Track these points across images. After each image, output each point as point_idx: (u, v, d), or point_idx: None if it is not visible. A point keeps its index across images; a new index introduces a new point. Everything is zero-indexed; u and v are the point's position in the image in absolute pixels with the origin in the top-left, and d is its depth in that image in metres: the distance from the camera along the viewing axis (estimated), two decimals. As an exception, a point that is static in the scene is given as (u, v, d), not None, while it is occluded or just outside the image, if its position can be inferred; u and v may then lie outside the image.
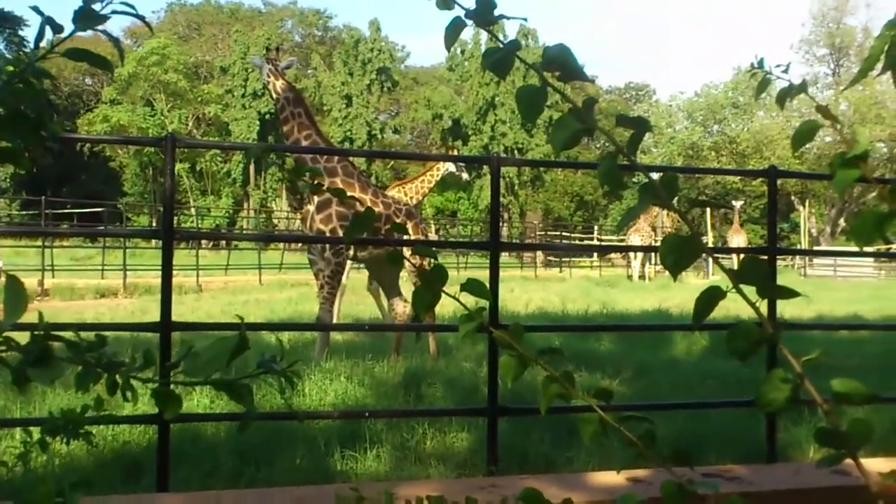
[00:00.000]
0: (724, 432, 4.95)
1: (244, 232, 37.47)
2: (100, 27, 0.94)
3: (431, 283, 1.55)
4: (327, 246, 7.21)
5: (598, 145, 61.12)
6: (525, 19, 1.45)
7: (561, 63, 1.33)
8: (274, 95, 7.72)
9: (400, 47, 59.27)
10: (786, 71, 1.10)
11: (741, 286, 1.19)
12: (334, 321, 8.79)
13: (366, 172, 48.93)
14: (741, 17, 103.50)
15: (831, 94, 50.06)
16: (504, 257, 32.85)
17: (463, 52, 51.79)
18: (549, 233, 36.55)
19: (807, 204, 46.44)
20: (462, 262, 27.62)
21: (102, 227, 24.61)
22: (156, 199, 45.15)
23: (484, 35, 51.20)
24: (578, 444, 4.64)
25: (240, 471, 4.11)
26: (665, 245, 1.24)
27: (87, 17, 0.92)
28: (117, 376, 0.81)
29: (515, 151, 48.45)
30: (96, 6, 0.93)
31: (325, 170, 7.42)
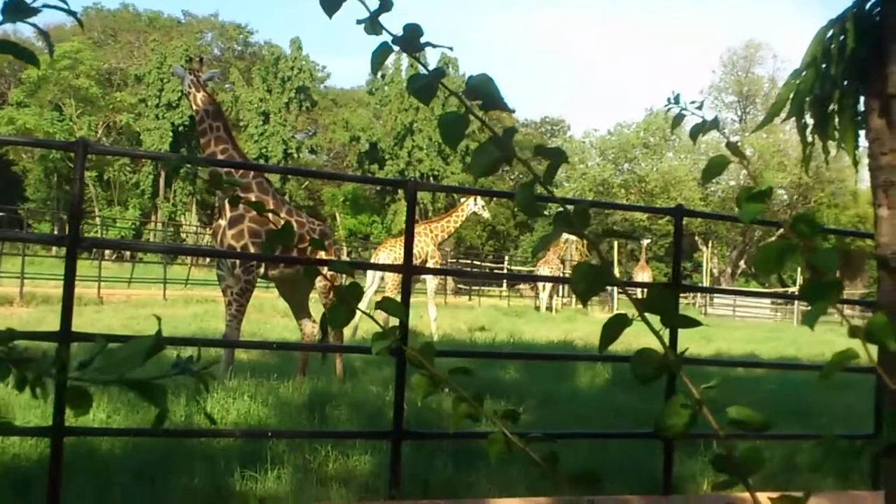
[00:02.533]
0: (622, 463, 5.05)
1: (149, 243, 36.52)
2: (30, 20, 0.92)
3: (347, 300, 1.56)
4: (237, 262, 7.09)
5: (512, 176, 62.04)
6: (451, 48, 1.49)
7: (483, 92, 1.38)
8: (194, 107, 7.60)
9: (320, 67, 59.09)
10: (699, 108, 1.16)
11: (646, 316, 1.24)
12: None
13: (280, 191, 48.45)
14: (654, 60, 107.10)
15: (737, 139, 52.10)
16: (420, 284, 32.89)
17: (383, 76, 51.95)
18: (460, 260, 36.76)
19: (710, 244, 48.10)
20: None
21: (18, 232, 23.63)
22: (59, 207, 43.61)
23: (405, 60, 51.59)
24: (480, 470, 4.67)
25: (134, 489, 3.99)
26: (576, 273, 1.28)
27: (16, 10, 0.91)
28: (28, 372, 0.79)
29: (431, 178, 48.71)
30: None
31: (240, 185, 7.32)
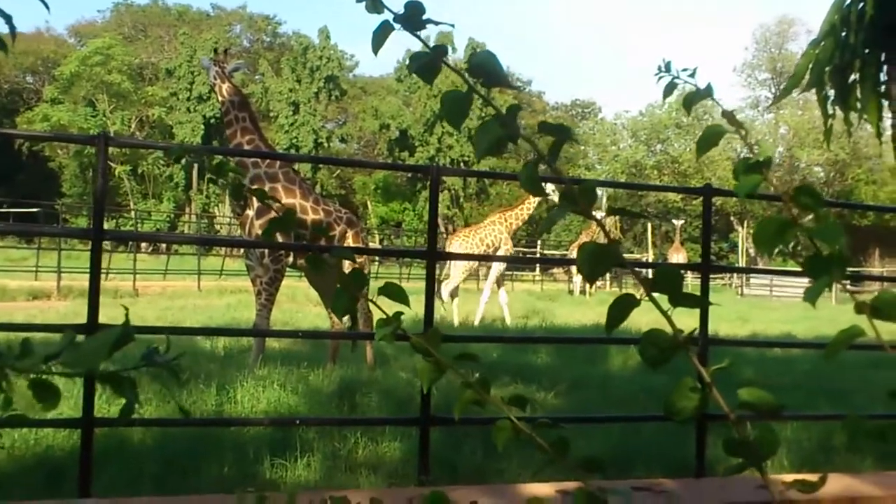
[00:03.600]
0: (654, 447, 5.00)
1: (184, 235, 36.88)
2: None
3: (349, 287, 1.54)
4: (266, 252, 7.12)
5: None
6: (452, 25, 1.44)
7: (486, 69, 1.34)
8: (220, 98, 7.63)
9: (349, 56, 59.07)
10: (692, 76, 1.11)
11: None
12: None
13: (310, 180, 48.67)
14: (687, 39, 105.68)
15: (771, 117, 51.37)
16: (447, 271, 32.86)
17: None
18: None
19: (745, 224, 47.51)
20: (405, 273, 27.57)
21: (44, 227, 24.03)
22: (105, 200, 44.14)
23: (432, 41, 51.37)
24: (510, 455, 4.65)
25: (165, 478, 4.02)
26: (582, 253, 1.25)
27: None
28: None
29: (462, 163, 48.63)
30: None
31: (267, 175, 7.35)
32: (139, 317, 11.44)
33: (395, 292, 1.50)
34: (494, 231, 14.14)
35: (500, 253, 13.89)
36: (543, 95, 71.51)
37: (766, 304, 23.29)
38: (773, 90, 54.17)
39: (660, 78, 1.12)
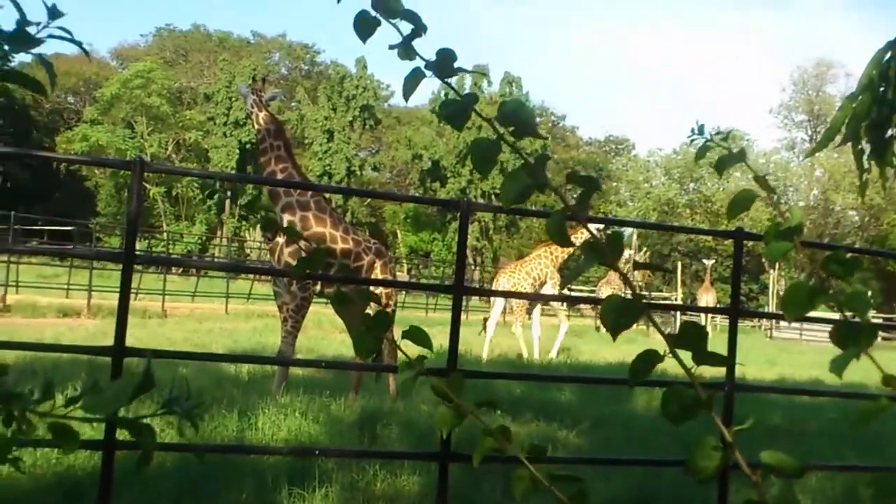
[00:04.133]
0: (676, 490, 4.92)
1: (215, 260, 37.21)
2: (35, 50, 0.93)
3: (374, 329, 1.54)
4: (294, 280, 7.16)
5: (575, 196, 61.53)
6: (484, 74, 1.48)
7: (516, 118, 1.35)
8: (256, 126, 7.73)
9: (385, 86, 59.65)
10: (725, 139, 1.11)
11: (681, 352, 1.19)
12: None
13: (342, 207, 48.96)
14: (723, 77, 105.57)
15: (807, 160, 50.97)
16: (474, 301, 32.81)
17: (446, 94, 52.23)
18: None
19: (777, 266, 46.98)
20: (432, 304, 27.55)
21: (70, 247, 24.35)
22: (138, 223, 44.74)
23: (468, 80, 51.80)
24: (529, 495, 4.59)
25: (183, 502, 4.03)
26: (606, 306, 1.24)
27: (20, 40, 0.91)
28: (14, 409, 0.78)
29: (493, 196, 48.72)
30: (31, 29, 0.92)
31: (298, 203, 7.41)
32: (167, 338, 11.56)
33: (418, 336, 1.51)
34: (540, 265, 14.19)
35: (547, 286, 14.01)
36: (577, 130, 71.65)
37: (795, 348, 22.95)
38: (810, 132, 53.85)
39: (692, 140, 1.12)
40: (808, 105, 53.32)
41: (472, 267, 46.89)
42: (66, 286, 19.66)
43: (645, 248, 42.24)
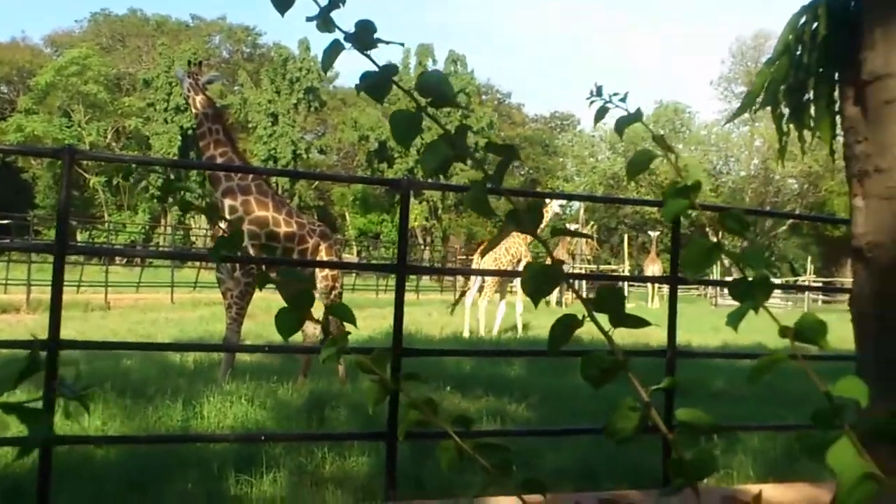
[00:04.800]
0: (623, 458, 5.00)
1: (159, 249, 36.62)
2: None
3: (296, 306, 1.52)
4: (237, 265, 7.07)
5: (521, 172, 61.90)
6: (402, 44, 1.44)
7: (435, 89, 1.33)
8: (193, 110, 7.62)
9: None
10: (623, 100, 1.11)
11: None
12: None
13: (288, 191, 48.49)
14: (665, 51, 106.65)
15: (747, 129, 51.87)
16: (425, 281, 32.84)
17: (395, 76, 51.89)
18: (469, 257, 36.61)
19: (720, 235, 47.85)
20: (382, 285, 27.51)
21: (7, 241, 23.73)
22: (70, 213, 43.75)
23: (413, 59, 51.54)
24: (478, 469, 4.62)
25: (127, 495, 3.97)
26: (525, 273, 1.24)
27: None
28: None
29: (441, 176, 48.70)
30: None
31: (239, 187, 7.32)
32: (110, 330, 11.35)
33: (341, 311, 1.49)
34: (517, 242, 14.70)
35: (522, 264, 14.49)
36: (523, 108, 71.84)
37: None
38: (757, 107, 54.71)
39: (591, 102, 1.11)
40: (747, 76, 54.11)
41: (422, 247, 46.86)
42: (3, 281, 19.19)
43: (592, 222, 42.71)
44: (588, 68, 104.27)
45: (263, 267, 7.32)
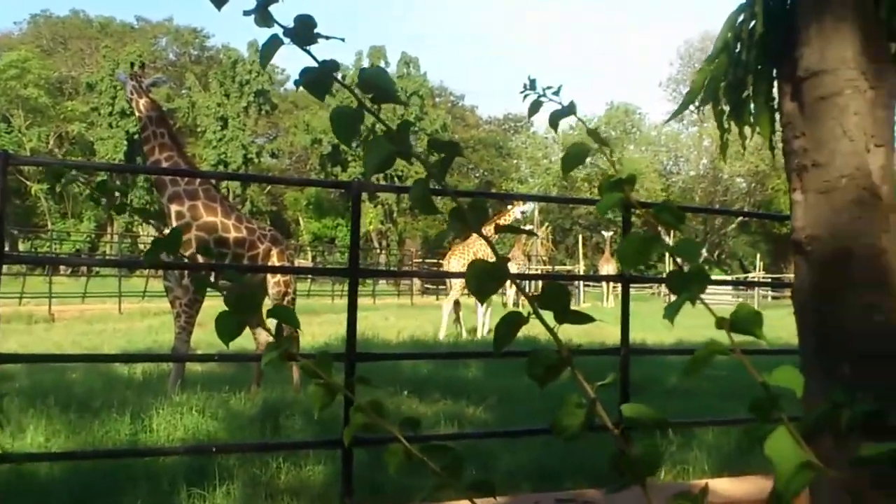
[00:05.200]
0: (581, 457, 5.00)
1: (106, 257, 35.94)
2: None
3: (239, 310, 1.48)
4: (186, 273, 6.95)
5: (477, 174, 62.09)
6: (342, 39, 1.41)
7: (376, 85, 1.31)
8: (137, 114, 7.49)
9: (280, 70, 58.48)
10: (557, 93, 1.10)
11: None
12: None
13: (240, 196, 47.98)
14: (617, 54, 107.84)
15: (696, 130, 52.66)
16: (381, 284, 32.73)
17: (344, 77, 51.63)
18: (426, 260, 36.60)
19: (672, 234, 48.53)
20: (338, 291, 27.35)
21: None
22: (8, 222, 42.81)
23: (367, 61, 51.33)
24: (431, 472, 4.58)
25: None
26: (470, 270, 1.22)
27: None
28: None
29: (396, 178, 48.54)
30: None
31: (186, 192, 7.19)
32: (54, 343, 11.07)
33: (283, 314, 1.45)
34: (486, 247, 14.84)
35: None
36: (477, 110, 72.04)
37: (692, 312, 23.56)
38: (698, 105, 55.54)
39: (526, 96, 1.10)
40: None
41: (378, 251, 46.73)
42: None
43: (547, 223, 42.96)
44: (543, 70, 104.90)
45: (211, 274, 7.26)
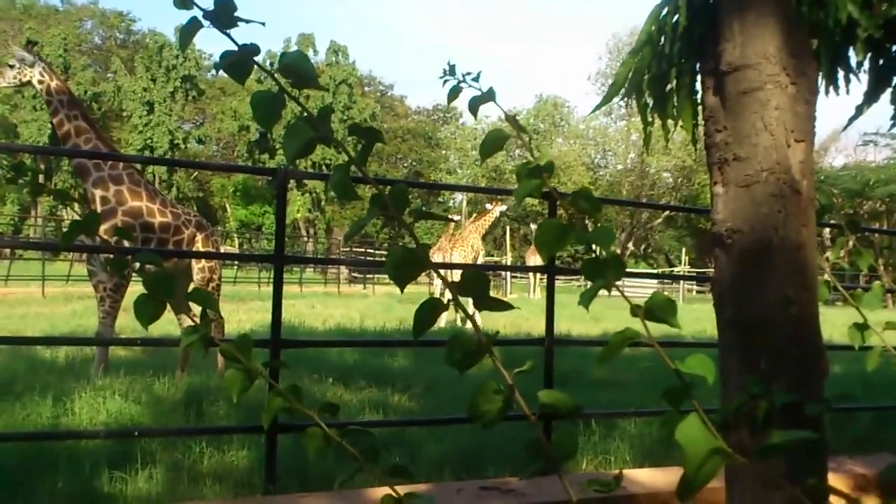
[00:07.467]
0: (506, 445, 5.07)
1: (29, 240, 34.88)
2: None
3: (158, 294, 1.47)
4: (111, 256, 6.80)
5: (405, 164, 61.93)
6: (263, 23, 1.41)
7: (296, 70, 1.31)
8: (46, 96, 7.24)
9: (207, 56, 57.37)
10: (476, 80, 1.12)
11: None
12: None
13: (167, 181, 47.00)
14: (546, 47, 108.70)
15: (624, 124, 53.48)
16: (308, 272, 32.48)
17: (271, 64, 51.06)
18: (354, 249, 36.39)
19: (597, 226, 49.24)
20: (265, 278, 27.05)
21: None
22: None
23: (294, 49, 50.63)
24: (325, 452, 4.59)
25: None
26: (390, 258, 1.24)
27: None
28: None
29: (324, 166, 48.14)
30: None
31: (110, 177, 7.03)
32: (-28, 327, 10.73)
33: (202, 298, 1.45)
34: (472, 238, 16.12)
35: (480, 258, 15.96)
36: (406, 100, 71.87)
37: (619, 304, 24.12)
38: (622, 97, 56.44)
39: (445, 82, 1.12)
40: (624, 72, 55.76)
41: (305, 239, 46.31)
42: None
43: (475, 214, 43.14)
44: (471, 60, 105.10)
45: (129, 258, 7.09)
